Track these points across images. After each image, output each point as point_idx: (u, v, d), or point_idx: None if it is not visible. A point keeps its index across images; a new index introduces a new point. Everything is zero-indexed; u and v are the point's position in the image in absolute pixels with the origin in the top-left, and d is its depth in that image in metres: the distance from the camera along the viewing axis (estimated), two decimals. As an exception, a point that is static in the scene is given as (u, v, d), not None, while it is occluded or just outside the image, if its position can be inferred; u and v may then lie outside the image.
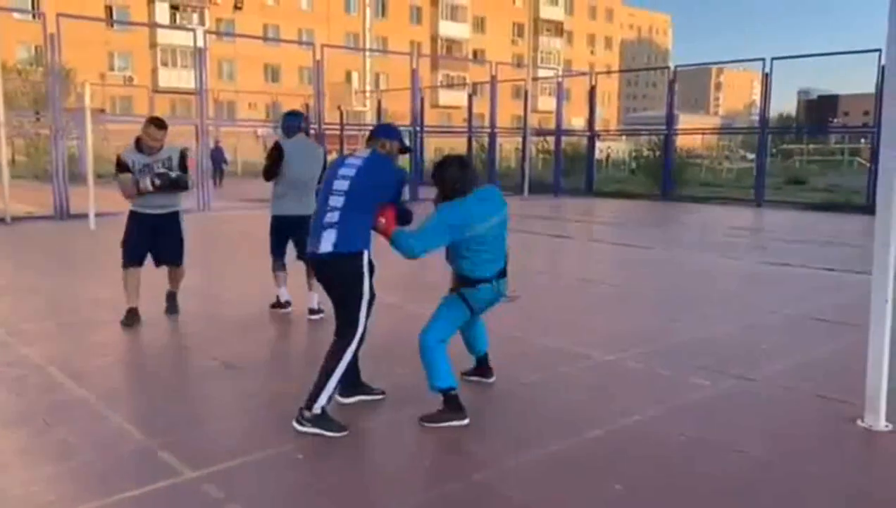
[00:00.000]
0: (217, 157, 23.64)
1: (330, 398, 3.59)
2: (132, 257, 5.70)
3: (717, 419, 3.88)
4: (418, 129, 20.57)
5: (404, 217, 3.83)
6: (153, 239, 5.73)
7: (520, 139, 24.12)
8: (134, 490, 2.98)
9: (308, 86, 24.63)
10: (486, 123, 23.78)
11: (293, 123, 6.01)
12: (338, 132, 22.38)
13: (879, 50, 14.69)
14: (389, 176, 3.77)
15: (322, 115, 18.45)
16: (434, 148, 26.82)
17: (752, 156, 31.70)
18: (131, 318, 5.71)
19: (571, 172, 24.34)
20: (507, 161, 29.70)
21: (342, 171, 3.69)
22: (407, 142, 4.11)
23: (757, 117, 26.77)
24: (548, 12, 65.96)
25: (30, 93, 26.47)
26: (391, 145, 3.86)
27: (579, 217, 16.65)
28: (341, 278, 3.66)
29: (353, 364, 3.98)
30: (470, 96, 25.43)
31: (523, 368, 4.60)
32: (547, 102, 37.83)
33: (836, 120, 63.30)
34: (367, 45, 47.37)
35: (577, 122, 36.88)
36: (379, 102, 28.58)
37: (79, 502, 2.89)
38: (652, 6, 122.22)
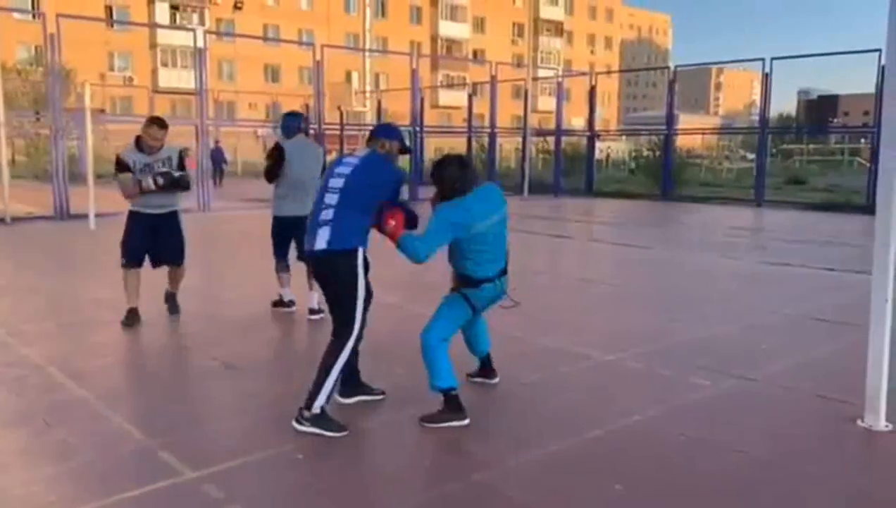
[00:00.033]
0: (217, 157, 23.65)
1: (329, 398, 3.59)
2: (132, 258, 5.70)
3: (717, 419, 3.88)
4: (418, 129, 20.57)
5: (410, 220, 3.83)
6: (154, 239, 5.73)
7: (520, 139, 24.12)
8: (134, 490, 2.98)
9: (308, 86, 24.63)
10: (486, 123, 23.78)
11: (293, 123, 6.02)
12: (338, 132, 22.40)
13: (879, 50, 14.69)
14: (386, 175, 3.76)
15: (322, 115, 18.46)
16: (434, 148, 26.80)
17: (752, 156, 31.71)
18: (131, 318, 5.71)
19: (571, 172, 24.33)
20: (507, 161, 29.70)
21: (339, 169, 3.71)
22: (407, 142, 4.10)
23: (757, 117, 26.78)
24: (548, 12, 65.97)
25: (30, 93, 26.47)
26: (391, 145, 3.85)
27: (579, 217, 16.65)
28: (335, 276, 3.66)
29: (353, 364, 3.99)
30: (470, 96, 25.44)
31: (523, 368, 4.60)
32: (547, 102, 37.83)
33: (836, 120, 63.32)
34: (367, 46, 47.36)
35: (577, 122, 36.88)
36: (379, 103, 28.60)
37: (79, 502, 2.90)
38: (652, 6, 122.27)
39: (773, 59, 18.81)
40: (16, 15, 31.92)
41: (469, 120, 24.92)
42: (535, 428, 3.80)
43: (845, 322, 5.96)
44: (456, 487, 3.10)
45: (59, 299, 6.95)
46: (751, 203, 19.53)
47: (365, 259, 3.68)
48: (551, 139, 25.56)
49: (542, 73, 43.57)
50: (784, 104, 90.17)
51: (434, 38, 58.00)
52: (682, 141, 28.78)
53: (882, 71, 12.56)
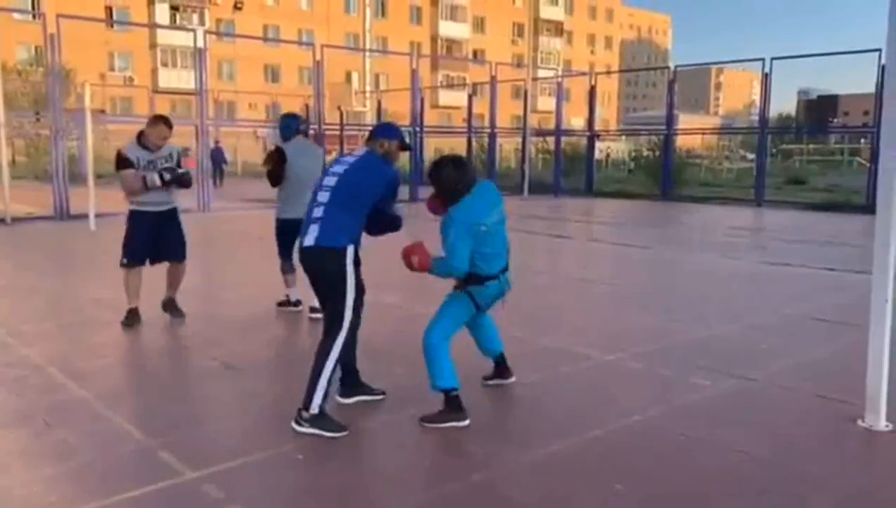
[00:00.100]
0: (217, 157, 23.65)
1: (326, 397, 3.59)
2: (136, 257, 5.71)
3: (717, 419, 3.88)
4: (418, 129, 20.58)
5: (393, 223, 3.86)
6: (155, 237, 5.74)
7: (520, 139, 24.11)
8: (134, 490, 2.98)
9: (308, 86, 24.63)
10: (486, 123, 23.79)
11: (291, 125, 6.02)
12: (338, 133, 22.40)
13: (879, 50, 14.69)
14: (379, 176, 3.75)
15: (322, 115, 18.46)
16: (434, 148, 26.80)
17: (751, 156, 31.72)
18: (132, 318, 5.71)
19: (571, 172, 24.34)
20: (507, 161, 29.69)
21: (334, 168, 3.75)
22: (407, 140, 4.10)
23: (757, 117, 26.77)
24: (548, 12, 65.98)
25: (30, 93, 26.49)
26: (389, 145, 3.85)
27: (579, 217, 16.65)
28: (323, 274, 3.68)
29: (351, 363, 4.00)
30: (470, 96, 25.44)
31: (523, 368, 4.59)
32: (547, 103, 37.83)
33: (835, 120, 63.32)
34: (367, 46, 47.39)
35: (577, 122, 36.90)
36: (379, 103, 28.61)
37: (79, 502, 2.90)
38: (652, 6, 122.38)
39: (772, 59, 18.82)
40: (16, 15, 31.96)
41: (469, 120, 24.93)
42: (535, 428, 3.80)
43: (845, 322, 5.95)
44: (456, 487, 3.10)
45: (59, 299, 6.95)
46: (751, 203, 19.53)
47: (356, 257, 3.68)
48: (551, 139, 25.56)
49: (541, 73, 43.62)
50: (784, 104, 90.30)
51: (434, 39, 58.01)
52: (681, 141, 28.79)
53: (882, 71, 12.56)
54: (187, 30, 29.54)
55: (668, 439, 3.59)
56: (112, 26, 42.13)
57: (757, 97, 28.72)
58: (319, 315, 5.82)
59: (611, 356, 5.00)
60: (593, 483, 3.14)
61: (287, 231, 5.93)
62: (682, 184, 23.05)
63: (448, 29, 58.73)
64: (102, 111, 29.34)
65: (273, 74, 49.52)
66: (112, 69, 44.22)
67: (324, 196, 3.66)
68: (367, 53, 44.85)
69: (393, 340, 5.28)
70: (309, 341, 5.57)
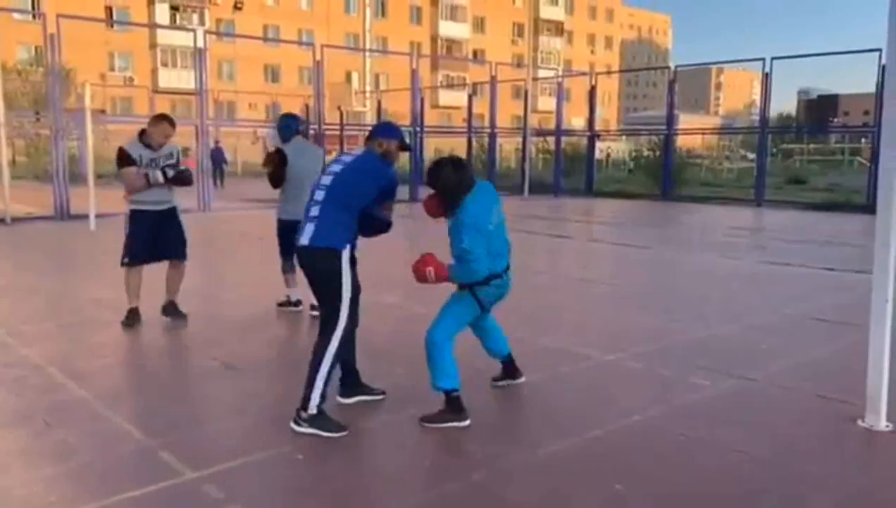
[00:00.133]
0: (217, 157, 23.65)
1: (324, 397, 3.59)
2: (138, 256, 5.71)
3: (717, 419, 3.88)
4: (418, 129, 20.58)
5: (383, 225, 3.83)
6: (156, 236, 5.74)
7: (520, 139, 24.12)
8: (134, 490, 2.98)
9: (308, 86, 24.64)
10: (486, 123, 23.79)
11: (291, 125, 6.02)
12: (338, 133, 22.40)
13: (880, 49, 14.70)
14: (375, 176, 3.73)
15: (322, 115, 18.47)
16: (434, 148, 26.80)
17: (752, 156, 31.72)
18: (132, 318, 5.71)
19: (571, 172, 24.34)
20: (507, 161, 29.71)
21: (332, 167, 3.76)
22: (407, 140, 4.09)
23: (757, 117, 26.78)
24: (548, 12, 65.98)
25: (30, 93, 26.50)
26: (388, 144, 3.84)
27: (579, 217, 16.65)
28: (318, 275, 3.69)
29: (350, 363, 4.00)
30: (470, 96, 25.44)
31: (523, 368, 4.58)
32: (547, 102, 37.84)
33: (836, 120, 63.32)
34: (367, 46, 47.36)
35: (577, 122, 36.89)
36: (379, 103, 28.59)
37: (79, 502, 2.89)
38: (652, 6, 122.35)
39: (773, 58, 18.82)
40: (16, 15, 31.97)
41: (469, 120, 24.93)
42: (535, 428, 3.80)
43: (845, 322, 5.95)
44: (455, 487, 3.10)
45: (59, 299, 6.95)
46: (751, 203, 19.53)
47: (352, 256, 3.68)
48: (551, 139, 25.56)
49: (542, 73, 43.61)
50: (784, 104, 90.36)
51: (434, 39, 58.02)
52: (682, 141, 28.78)
53: (882, 70, 12.55)
54: (187, 30, 29.55)
55: (668, 439, 3.59)
56: (112, 26, 42.15)
57: (757, 97, 28.71)
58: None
59: (611, 356, 5.00)
60: (593, 483, 3.14)
61: (288, 231, 5.92)
62: (683, 184, 23.06)
63: (448, 29, 58.74)
64: (102, 111, 29.34)
65: (273, 74, 49.54)
66: (112, 69, 44.24)
67: (320, 195, 3.66)
68: (367, 53, 44.79)
69: (393, 340, 5.28)
70: (309, 341, 5.54)
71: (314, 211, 3.65)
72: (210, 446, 3.48)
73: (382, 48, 48.42)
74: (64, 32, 14.09)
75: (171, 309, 5.93)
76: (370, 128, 4.28)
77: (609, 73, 54.39)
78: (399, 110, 23.06)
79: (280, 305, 6.32)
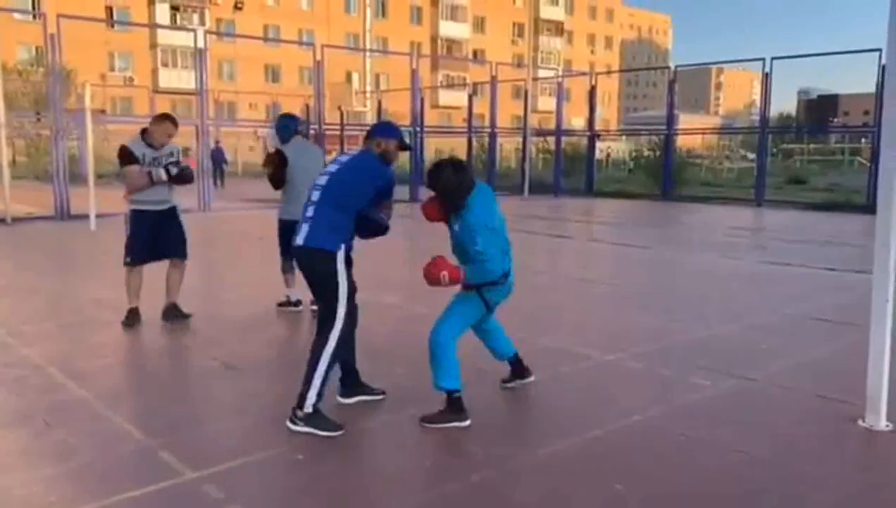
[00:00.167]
0: (217, 157, 23.66)
1: (320, 396, 3.58)
2: (140, 256, 5.71)
3: (717, 419, 3.88)
4: (418, 129, 20.57)
5: (379, 228, 3.79)
6: (157, 235, 5.75)
7: (520, 139, 24.12)
8: (134, 490, 2.98)
9: (308, 86, 24.65)
10: (487, 123, 23.79)
11: (290, 125, 6.02)
12: (338, 133, 22.40)
13: (880, 49, 14.69)
14: (370, 176, 3.71)
15: (322, 115, 18.47)
16: (434, 148, 26.81)
17: (752, 156, 31.71)
18: (132, 318, 5.72)
19: (571, 172, 24.34)
20: (508, 161, 29.72)
21: (329, 167, 3.76)
22: (406, 140, 4.07)
23: (757, 117, 26.78)
24: (548, 12, 65.97)
25: (30, 93, 26.47)
26: (387, 144, 3.80)
27: (579, 217, 16.65)
28: (314, 276, 3.70)
29: (350, 364, 4.00)
30: (470, 96, 25.43)
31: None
32: (547, 102, 37.83)
33: (836, 120, 63.31)
34: (368, 46, 47.39)
35: (578, 122, 36.89)
36: (379, 103, 28.60)
37: (79, 502, 2.89)
38: (652, 6, 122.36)
39: (773, 58, 18.83)
40: (16, 15, 31.96)
41: (469, 120, 24.93)
42: (535, 428, 3.80)
43: (846, 322, 5.95)
44: (456, 487, 3.10)
45: (59, 299, 6.95)
46: (751, 203, 19.53)
47: (347, 257, 3.68)
48: (551, 139, 25.56)
49: (542, 73, 43.60)
50: (784, 104, 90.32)
51: (434, 39, 58.02)
52: (682, 141, 28.78)
53: (882, 70, 12.55)
54: (188, 30, 29.56)
55: (668, 439, 3.59)
56: (112, 26, 42.14)
57: (757, 97, 28.72)
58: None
59: (611, 356, 5.00)
60: (593, 483, 3.14)
61: (288, 231, 5.91)
62: (683, 184, 23.06)
63: (448, 29, 58.73)
64: (103, 111, 29.32)
65: (273, 74, 49.53)
66: (112, 69, 44.25)
67: (316, 195, 3.67)
68: (368, 53, 44.85)
69: (393, 340, 5.28)
70: (309, 340, 5.54)
71: (310, 211, 3.66)
72: (210, 446, 3.48)
73: (383, 48, 48.42)
74: (64, 32, 14.09)
75: (172, 312, 5.87)
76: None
77: (609, 73, 54.39)
78: (399, 110, 23.06)
79: (280, 305, 6.32)
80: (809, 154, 42.01)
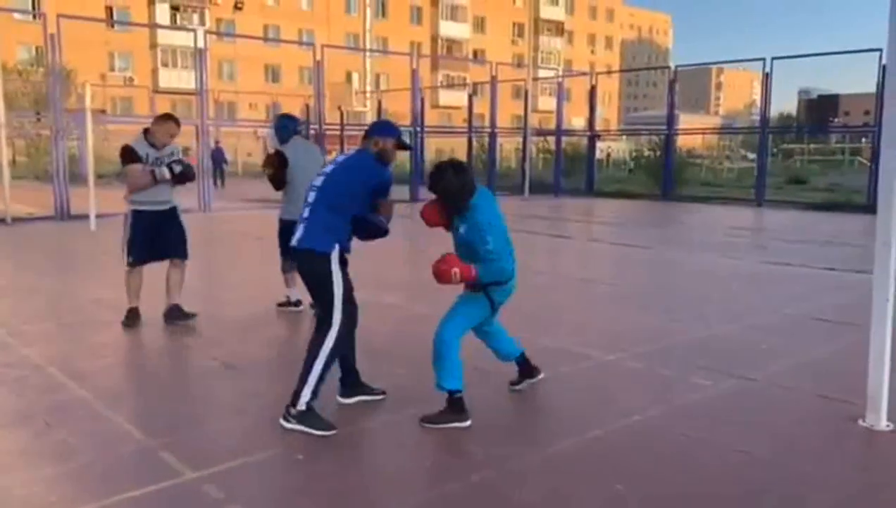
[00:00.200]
0: (217, 157, 23.66)
1: (315, 395, 3.58)
2: (140, 257, 5.71)
3: (717, 419, 3.88)
4: (419, 129, 20.57)
5: (379, 231, 3.77)
6: (158, 235, 5.75)
7: (520, 139, 24.12)
8: (134, 490, 2.98)
9: (308, 86, 24.64)
10: (487, 123, 23.78)
11: (289, 125, 6.01)
12: (338, 133, 22.41)
13: (880, 49, 14.69)
14: (365, 176, 3.69)
15: (322, 115, 18.47)
16: (435, 148, 26.81)
17: (752, 156, 31.70)
18: (132, 318, 5.71)
19: (572, 172, 24.35)
20: (508, 161, 29.71)
21: (325, 168, 3.77)
22: (405, 139, 4.05)
23: (757, 117, 26.78)
24: (548, 12, 65.97)
25: (30, 93, 26.45)
26: (384, 143, 3.77)
27: (579, 217, 16.65)
28: (309, 277, 3.72)
29: (351, 364, 4.00)
30: (470, 96, 25.42)
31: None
32: (547, 102, 37.84)
33: (836, 120, 63.30)
34: (368, 46, 47.39)
35: (578, 122, 36.88)
36: (379, 103, 28.61)
37: (79, 502, 2.89)
38: (652, 6, 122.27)
39: (773, 58, 18.83)
40: (16, 15, 31.96)
41: (469, 120, 24.93)
42: (536, 428, 3.80)
43: (846, 322, 5.95)
44: (456, 487, 3.10)
45: (59, 299, 6.95)
46: (751, 203, 19.53)
47: (342, 257, 3.67)
48: (552, 139, 25.57)
49: (542, 73, 43.60)
50: (784, 104, 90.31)
51: (434, 39, 58.01)
52: (682, 141, 28.78)
53: (883, 70, 12.55)
54: (188, 30, 29.56)
55: (668, 439, 3.59)
56: (112, 26, 42.14)
57: (757, 97, 28.72)
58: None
59: (611, 356, 5.00)
60: (594, 483, 3.14)
61: (288, 231, 5.90)
62: (683, 184, 23.07)
63: (448, 29, 58.73)
64: (103, 111, 29.33)
65: (273, 74, 49.53)
66: (112, 69, 44.25)
67: (311, 197, 3.68)
68: (368, 53, 44.85)
69: (393, 340, 5.28)
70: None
71: (306, 212, 3.68)
72: (210, 446, 3.48)
73: (383, 48, 48.42)
74: (64, 32, 14.09)
75: (175, 314, 5.83)
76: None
77: (609, 72, 54.36)
78: (399, 110, 23.06)
79: (280, 305, 6.32)
80: (810, 154, 42.00)
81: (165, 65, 45.60)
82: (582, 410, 4.02)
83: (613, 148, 40.46)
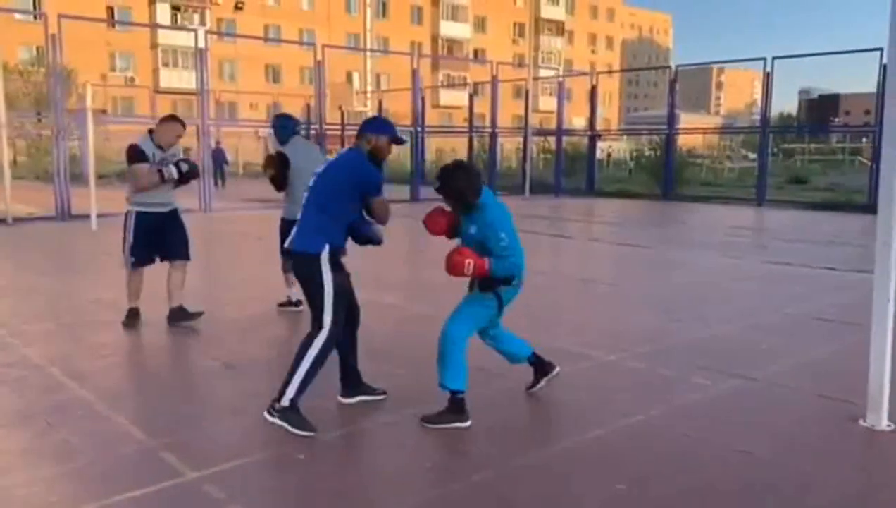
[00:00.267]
0: (218, 157, 23.66)
1: (300, 392, 3.57)
2: (142, 258, 5.71)
3: (718, 419, 3.88)
4: (419, 129, 20.58)
5: (373, 239, 3.75)
6: (160, 237, 5.75)
7: (521, 139, 24.11)
8: (135, 490, 2.98)
9: (309, 86, 24.64)
10: (487, 123, 23.78)
11: (288, 126, 6.01)
12: (339, 133, 22.41)
13: (881, 49, 14.68)
14: (350, 172, 3.66)
15: (323, 115, 18.47)
16: (435, 148, 26.81)
17: (753, 155, 31.71)
18: (132, 318, 5.72)
19: (572, 171, 24.34)
20: (508, 161, 29.71)
21: (319, 168, 3.78)
22: (400, 135, 3.95)
23: (758, 117, 26.76)
24: (549, 12, 65.96)
25: (31, 94, 26.48)
26: (378, 140, 3.72)
27: (580, 217, 16.64)
28: (302, 277, 3.73)
29: (352, 364, 4.00)
30: (471, 96, 25.43)
31: (524, 368, 4.58)
32: (548, 102, 37.82)
33: (837, 119, 63.26)
34: (368, 46, 47.39)
35: (578, 121, 36.84)
36: (380, 103, 28.63)
37: (80, 502, 2.90)
38: (653, 6, 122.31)
39: (774, 58, 18.82)
40: (17, 15, 31.96)
41: (470, 120, 24.92)
42: (536, 428, 3.80)
43: (847, 322, 5.95)
44: (456, 487, 3.10)
45: (60, 299, 6.96)
46: (752, 203, 19.52)
47: (334, 259, 3.63)
48: (552, 139, 25.56)
49: (543, 72, 43.57)
50: (785, 104, 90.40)
51: (435, 38, 58.00)
52: (683, 140, 28.76)
53: (884, 70, 12.55)
54: (188, 30, 29.57)
55: (668, 439, 3.59)
56: (113, 26, 42.15)
57: (758, 97, 28.69)
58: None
59: (611, 356, 5.00)
60: (594, 482, 3.14)
61: (288, 231, 5.92)
62: (684, 183, 23.06)
63: (449, 29, 58.73)
64: (104, 111, 29.38)
65: (274, 74, 49.54)
66: (113, 69, 44.25)
67: (305, 197, 3.72)
68: (368, 53, 44.85)
69: (393, 340, 5.28)
70: (310, 341, 5.58)
71: (300, 214, 3.72)
72: (210, 446, 3.48)
73: (383, 48, 48.43)
74: (65, 33, 14.10)
75: (179, 315, 5.78)
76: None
77: (610, 72, 54.34)
78: (400, 110, 23.07)
79: (280, 305, 6.32)
80: (810, 154, 41.99)
81: (166, 65, 45.61)
82: (582, 410, 4.02)
83: (614, 148, 40.45)
